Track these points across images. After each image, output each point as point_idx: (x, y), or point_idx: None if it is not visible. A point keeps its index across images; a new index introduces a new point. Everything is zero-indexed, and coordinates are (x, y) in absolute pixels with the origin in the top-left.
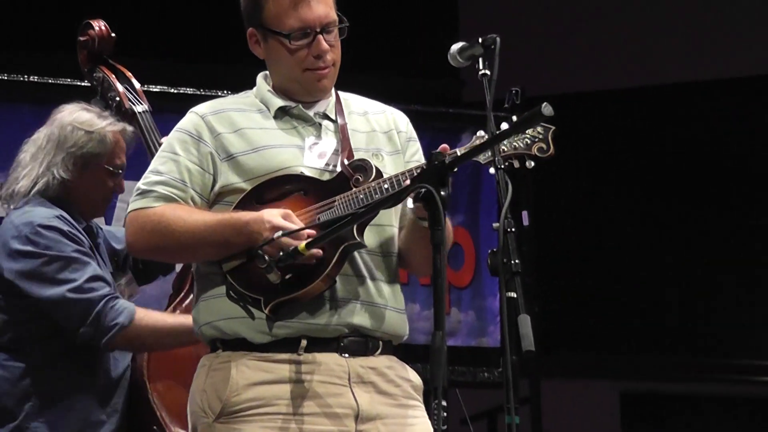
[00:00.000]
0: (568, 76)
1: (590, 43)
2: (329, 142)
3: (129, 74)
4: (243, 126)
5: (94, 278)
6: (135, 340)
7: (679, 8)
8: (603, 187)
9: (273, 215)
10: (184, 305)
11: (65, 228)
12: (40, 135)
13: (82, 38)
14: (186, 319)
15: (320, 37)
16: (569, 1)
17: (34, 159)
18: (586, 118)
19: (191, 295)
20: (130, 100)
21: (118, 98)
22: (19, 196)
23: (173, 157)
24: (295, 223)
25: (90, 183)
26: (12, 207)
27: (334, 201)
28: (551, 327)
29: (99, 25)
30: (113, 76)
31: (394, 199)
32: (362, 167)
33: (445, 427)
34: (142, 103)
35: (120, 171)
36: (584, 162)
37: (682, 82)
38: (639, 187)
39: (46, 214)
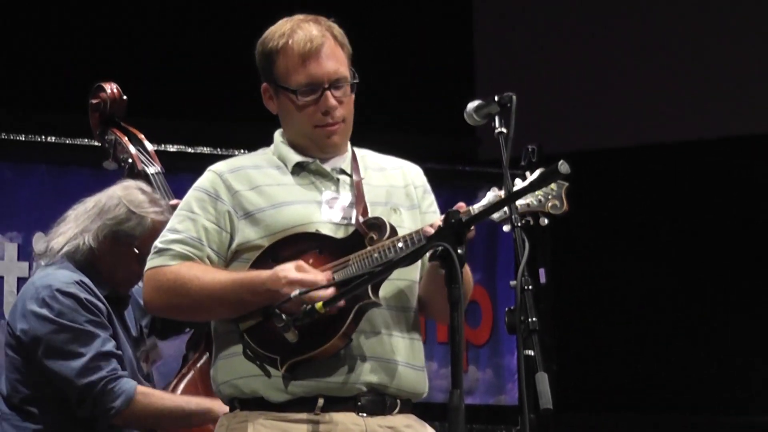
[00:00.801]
0: (586, 133)
1: (608, 100)
2: (347, 196)
3: (141, 136)
4: (260, 183)
5: (100, 356)
6: (132, 423)
7: (701, 63)
8: (621, 245)
9: (287, 269)
10: (198, 365)
11: (82, 296)
12: (92, 199)
13: (93, 101)
14: (186, 403)
15: (328, 93)
16: (586, 57)
17: (76, 220)
18: (604, 174)
19: (205, 356)
20: (142, 161)
21: (130, 160)
22: (51, 254)
23: (190, 215)
24: (309, 273)
25: (116, 260)
26: (43, 264)
27: (349, 260)
28: (569, 385)
29: (111, 87)
30: (125, 138)
31: (411, 258)
32: (377, 225)
33: None
34: (154, 165)
35: None
36: (602, 219)
37: (704, 140)
38: (657, 244)
39: (66, 278)
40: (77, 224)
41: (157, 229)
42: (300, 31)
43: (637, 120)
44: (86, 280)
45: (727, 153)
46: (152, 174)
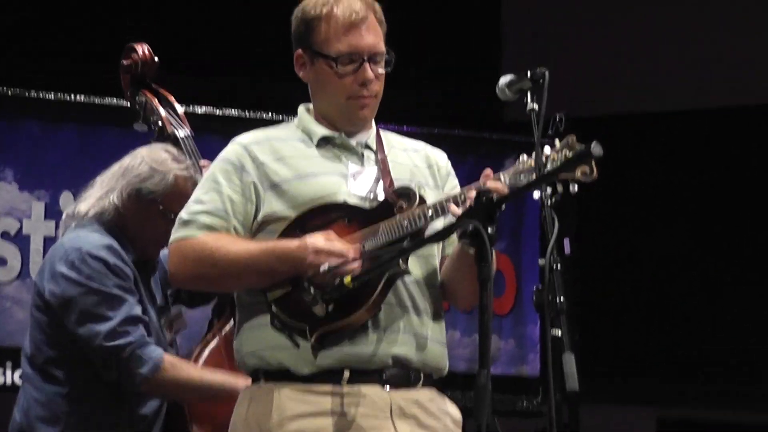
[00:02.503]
0: (611, 98)
1: (634, 65)
2: (372, 171)
3: (172, 98)
4: (286, 155)
5: (128, 320)
6: (157, 391)
7: (729, 30)
8: (646, 211)
9: (315, 238)
10: (223, 333)
11: (111, 260)
12: (118, 162)
13: (125, 62)
14: (213, 379)
15: (367, 65)
16: (612, 20)
17: (102, 183)
18: (630, 140)
19: (230, 323)
20: (172, 124)
21: (160, 122)
22: (79, 216)
23: (216, 186)
24: (338, 244)
25: (141, 219)
26: (73, 225)
27: (378, 228)
28: (591, 352)
29: (143, 48)
30: (156, 100)
31: (441, 235)
32: (406, 194)
33: None
34: (184, 128)
35: (174, 217)
36: (626, 185)
37: (731, 106)
38: (685, 210)
39: (96, 242)
40: (103, 186)
41: (180, 185)
42: (345, 1)
43: (664, 85)
44: (115, 244)
45: (754, 120)
46: (182, 138)
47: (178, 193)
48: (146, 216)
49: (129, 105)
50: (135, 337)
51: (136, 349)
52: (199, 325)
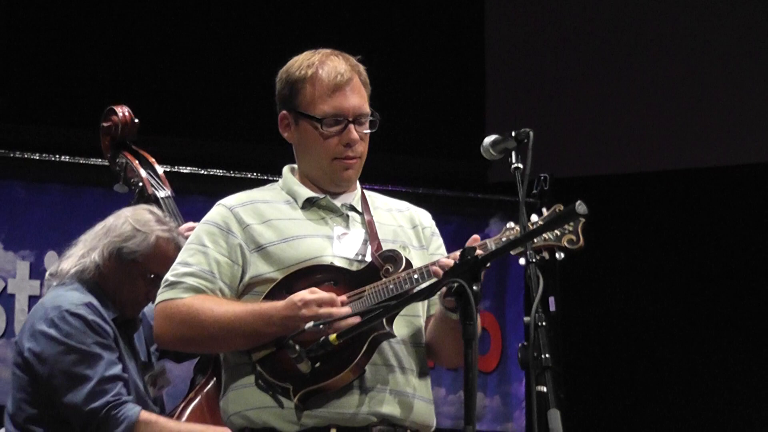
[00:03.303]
0: (596, 158)
1: (619, 125)
2: (357, 233)
3: (152, 159)
4: (271, 217)
5: (106, 379)
6: None
7: (714, 90)
8: (632, 271)
9: (300, 294)
10: (205, 391)
11: (90, 317)
12: (102, 222)
13: (105, 124)
14: (192, 428)
15: (351, 126)
16: (595, 83)
17: (85, 242)
18: (615, 199)
19: (212, 381)
20: (153, 185)
21: (141, 183)
22: (61, 274)
23: (202, 249)
24: (323, 293)
25: (121, 278)
26: (54, 284)
27: (364, 291)
28: (576, 410)
29: (123, 111)
30: (136, 161)
31: (426, 293)
32: (392, 258)
33: None
34: (165, 189)
35: (153, 278)
36: (611, 244)
37: (718, 166)
38: (670, 270)
39: (75, 299)
40: (86, 245)
41: (161, 247)
42: (330, 63)
43: (648, 146)
44: (95, 302)
45: (737, 180)
46: (162, 198)
47: (160, 254)
48: (126, 276)
49: (109, 166)
50: (112, 395)
51: (112, 409)
52: (185, 382)
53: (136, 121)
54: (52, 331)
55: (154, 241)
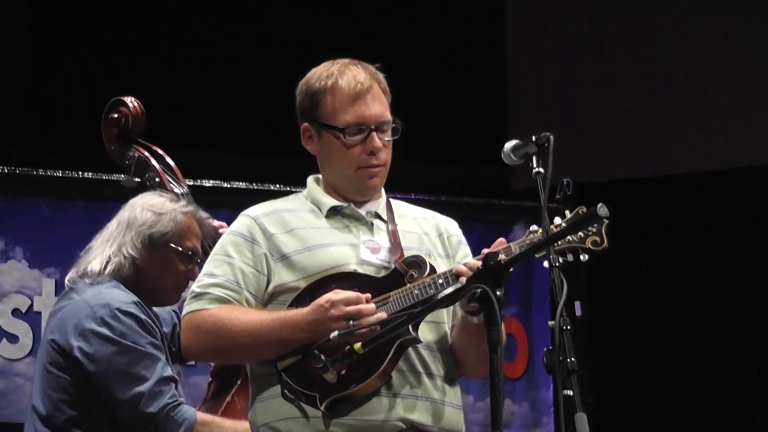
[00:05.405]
0: (621, 162)
1: (642, 129)
2: (382, 240)
3: (162, 152)
4: (295, 226)
5: (163, 380)
6: None
7: (741, 91)
8: (657, 274)
9: (326, 296)
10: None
11: (143, 316)
12: (112, 221)
13: (113, 115)
14: (246, 427)
15: (374, 134)
16: (619, 86)
17: (105, 242)
18: (639, 203)
19: (233, 388)
20: (170, 181)
21: (158, 179)
22: (92, 275)
23: (227, 259)
24: (348, 292)
25: (159, 264)
26: (88, 281)
27: (389, 297)
28: (604, 417)
29: (133, 102)
30: (152, 157)
31: (450, 299)
32: (416, 263)
33: None
34: (181, 185)
35: (191, 253)
36: (636, 248)
37: (742, 167)
38: (696, 273)
39: (123, 298)
40: (109, 244)
41: (188, 222)
42: (349, 73)
43: (671, 149)
44: (140, 301)
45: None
46: (180, 195)
47: (189, 229)
48: (164, 261)
49: (112, 158)
50: (169, 397)
51: (171, 411)
52: (200, 387)
53: (144, 112)
54: (105, 330)
55: (180, 218)
